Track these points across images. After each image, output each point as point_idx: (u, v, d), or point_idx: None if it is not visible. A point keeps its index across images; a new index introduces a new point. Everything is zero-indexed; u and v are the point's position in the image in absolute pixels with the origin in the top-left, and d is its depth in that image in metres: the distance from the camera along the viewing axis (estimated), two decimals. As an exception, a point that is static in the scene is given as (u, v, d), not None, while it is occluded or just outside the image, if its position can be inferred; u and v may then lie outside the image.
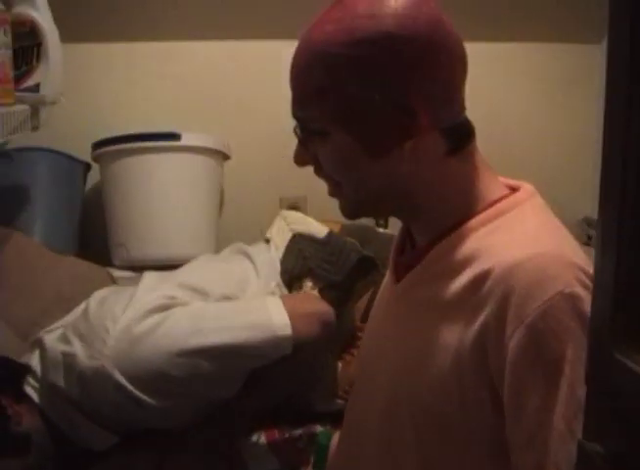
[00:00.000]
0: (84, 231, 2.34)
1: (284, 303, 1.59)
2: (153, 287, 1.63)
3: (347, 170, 1.02)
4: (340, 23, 0.97)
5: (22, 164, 2.23)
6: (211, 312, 1.57)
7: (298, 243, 1.86)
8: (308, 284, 1.77)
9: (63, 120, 2.07)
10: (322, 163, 1.04)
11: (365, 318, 1.69)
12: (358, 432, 1.17)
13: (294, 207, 2.38)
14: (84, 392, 1.52)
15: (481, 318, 0.94)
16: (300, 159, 1.07)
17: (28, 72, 1.71)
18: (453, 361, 0.96)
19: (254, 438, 1.73)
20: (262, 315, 1.56)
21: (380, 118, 0.97)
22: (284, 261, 1.83)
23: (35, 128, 1.79)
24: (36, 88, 1.71)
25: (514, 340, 0.90)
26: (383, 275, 1.47)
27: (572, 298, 0.89)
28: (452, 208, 1.03)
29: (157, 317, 1.51)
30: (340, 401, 1.75)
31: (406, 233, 1.15)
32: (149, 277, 1.70)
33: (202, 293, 1.64)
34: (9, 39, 1.60)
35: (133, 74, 2.44)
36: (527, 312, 0.90)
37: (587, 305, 0.87)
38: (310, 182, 2.18)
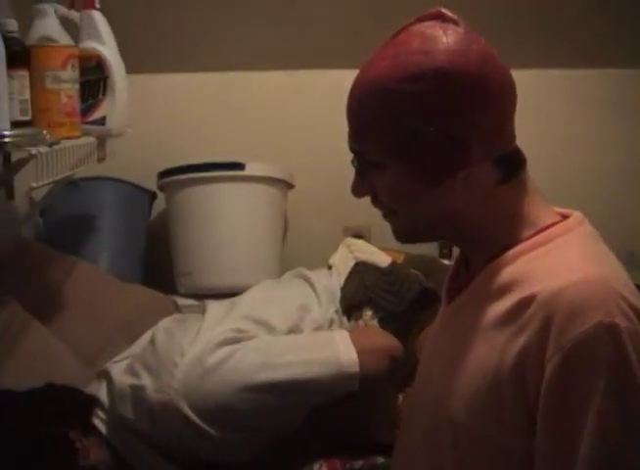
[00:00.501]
0: (149, 260, 2.37)
1: (352, 338, 1.57)
2: (219, 319, 1.63)
3: (403, 199, 1.05)
4: (394, 59, 1.00)
5: (89, 193, 2.28)
6: (279, 347, 1.56)
7: (361, 271, 1.84)
8: (368, 313, 1.75)
9: (128, 150, 2.11)
10: (379, 193, 1.06)
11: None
12: (408, 453, 1.18)
13: (357, 235, 2.35)
14: (152, 424, 1.52)
15: (523, 341, 0.94)
16: (358, 190, 1.09)
17: (95, 106, 1.74)
18: (492, 383, 0.97)
19: (316, 467, 1.71)
20: (330, 351, 1.54)
21: (434, 151, 0.99)
22: (344, 289, 1.81)
23: (101, 159, 1.82)
24: (102, 121, 1.74)
25: (550, 365, 0.90)
26: None
27: (611, 328, 0.89)
28: (504, 233, 1.04)
29: (225, 350, 1.51)
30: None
31: (463, 257, 1.16)
32: (213, 308, 1.70)
33: (267, 326, 1.63)
34: (77, 74, 1.63)
35: (196, 104, 2.48)
36: (566, 340, 0.90)
37: (627, 335, 0.89)
38: (374, 211, 2.18)
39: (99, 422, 1.58)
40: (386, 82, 1.00)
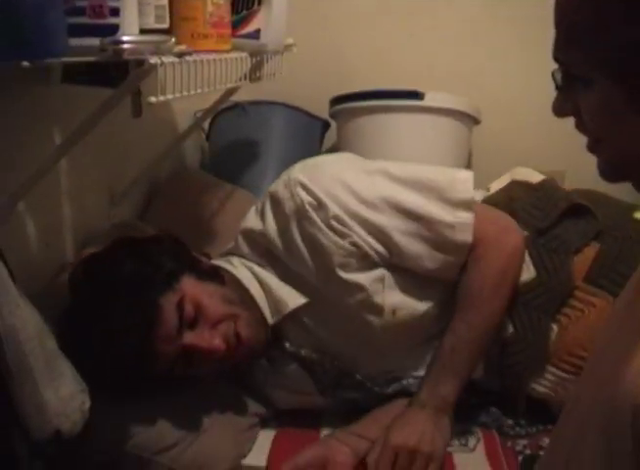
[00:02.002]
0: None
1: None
2: None
3: (611, 126, 0.88)
4: None
5: (258, 118, 2.19)
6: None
7: (511, 189, 1.66)
8: None
9: (300, 73, 1.99)
10: (583, 115, 0.90)
11: (588, 279, 1.51)
12: (572, 441, 1.00)
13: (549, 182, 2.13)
14: None
15: None
16: (559, 109, 0.92)
17: (249, 17, 1.58)
18: None
19: (472, 441, 1.53)
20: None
21: None
22: (487, 199, 1.64)
23: (256, 79, 1.67)
24: (256, 35, 1.58)
25: None
26: (604, 234, 1.54)
27: None
28: None
29: None
30: (553, 370, 1.52)
31: None
32: None
33: None
34: (227, -21, 1.47)
35: (380, 28, 2.33)
36: None
37: None
38: (570, 156, 1.92)
39: None
40: None
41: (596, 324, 1.48)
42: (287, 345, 1.53)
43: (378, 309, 1.47)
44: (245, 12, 1.58)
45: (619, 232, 1.55)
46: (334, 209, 1.45)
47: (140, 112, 1.36)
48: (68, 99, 1.52)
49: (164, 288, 1.36)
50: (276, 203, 1.50)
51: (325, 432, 1.57)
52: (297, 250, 1.47)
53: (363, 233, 1.46)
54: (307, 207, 1.45)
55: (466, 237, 1.46)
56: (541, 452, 1.46)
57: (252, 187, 2.02)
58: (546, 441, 1.49)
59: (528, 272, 1.52)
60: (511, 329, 1.52)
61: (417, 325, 1.51)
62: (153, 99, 1.23)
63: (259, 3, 1.57)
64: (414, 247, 1.47)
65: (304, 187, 1.47)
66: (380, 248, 1.47)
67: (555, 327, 1.52)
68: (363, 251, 1.46)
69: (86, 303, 1.36)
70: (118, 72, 1.29)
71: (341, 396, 1.57)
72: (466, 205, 1.47)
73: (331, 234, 1.45)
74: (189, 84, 1.32)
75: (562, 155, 2.29)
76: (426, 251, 1.48)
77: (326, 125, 2.27)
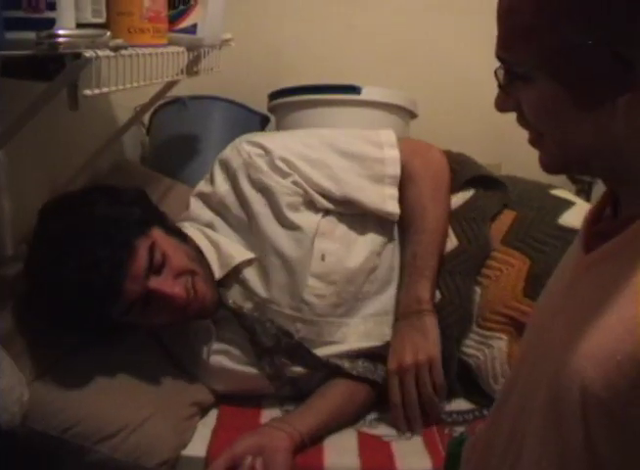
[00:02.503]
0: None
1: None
2: None
3: (552, 122, 0.91)
4: None
5: (198, 112, 2.18)
6: None
7: None
8: None
9: (239, 68, 2.05)
10: (525, 111, 0.92)
11: (505, 241, 1.65)
12: (514, 419, 1.02)
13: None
14: None
15: None
16: (502, 105, 0.95)
17: (186, 12, 1.59)
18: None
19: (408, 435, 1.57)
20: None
21: (592, 66, 0.84)
22: None
23: (193, 74, 1.68)
24: (193, 29, 1.59)
25: None
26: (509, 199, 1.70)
27: None
28: None
29: None
30: (478, 330, 1.63)
31: (608, 200, 1.01)
32: None
33: None
34: (163, -26, 1.48)
35: (318, 22, 2.34)
36: None
37: None
38: (506, 148, 1.96)
39: None
40: None
41: (515, 281, 1.59)
42: (230, 302, 1.59)
43: (308, 252, 1.57)
44: (182, 6, 1.58)
45: (535, 203, 1.68)
46: (278, 151, 1.61)
47: (76, 105, 1.36)
48: (6, 93, 1.52)
49: (138, 231, 1.45)
50: (223, 163, 1.65)
51: (265, 420, 1.58)
52: (248, 199, 1.60)
53: (308, 169, 1.61)
54: (253, 156, 1.61)
55: (395, 170, 1.65)
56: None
57: (192, 181, 1.97)
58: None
59: (451, 242, 1.66)
60: (439, 296, 1.62)
61: (348, 279, 1.60)
62: (88, 92, 1.23)
63: (196, -2, 1.59)
64: (355, 180, 1.63)
65: (250, 142, 1.65)
66: (325, 183, 1.61)
67: (478, 289, 1.63)
68: (304, 189, 1.60)
69: (60, 233, 1.42)
70: (56, 66, 1.29)
71: (278, 364, 1.60)
72: (391, 144, 1.68)
73: (275, 176, 1.59)
74: (125, 78, 1.33)
75: (498, 148, 2.33)
76: (365, 184, 1.63)
77: (265, 120, 2.26)
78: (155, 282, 1.45)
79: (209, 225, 1.66)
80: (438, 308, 1.61)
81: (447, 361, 1.61)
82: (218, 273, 1.59)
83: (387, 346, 1.59)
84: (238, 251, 1.61)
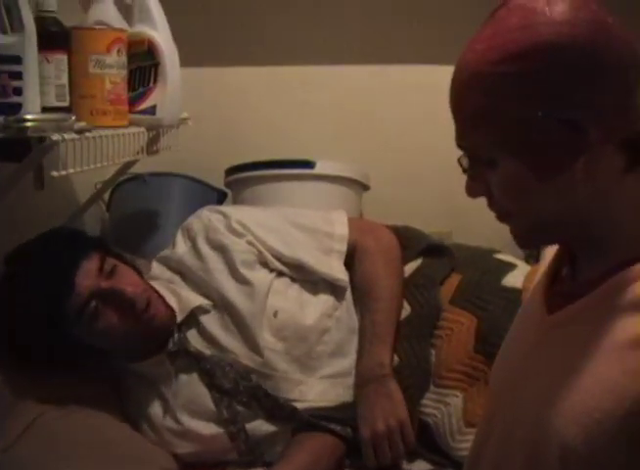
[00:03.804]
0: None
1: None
2: None
3: (518, 196, 0.95)
4: (491, 40, 0.91)
5: (157, 189, 2.21)
6: None
7: None
8: None
9: (196, 145, 2.07)
10: (493, 192, 0.97)
11: (453, 302, 1.73)
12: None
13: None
14: None
15: None
16: (472, 191, 0.99)
17: (145, 94, 1.65)
18: (629, 412, 0.83)
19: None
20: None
21: (545, 137, 0.89)
22: None
23: (153, 153, 1.74)
24: (152, 110, 1.65)
25: None
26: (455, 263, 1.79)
27: None
28: (634, 236, 0.92)
29: None
30: (435, 389, 1.68)
31: (562, 258, 1.05)
32: None
33: None
34: (123, 59, 1.55)
35: (273, 99, 2.39)
36: None
37: None
38: (456, 218, 2.04)
39: None
40: (483, 67, 0.90)
41: (466, 339, 1.66)
42: (191, 347, 1.64)
43: (261, 308, 1.64)
44: (141, 89, 1.66)
45: (479, 265, 1.78)
46: (236, 215, 1.73)
47: (42, 185, 1.42)
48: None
49: (92, 248, 1.57)
50: (185, 229, 1.77)
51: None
52: (205, 257, 1.70)
53: (262, 233, 1.72)
54: (213, 220, 1.73)
55: (342, 246, 1.76)
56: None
57: (152, 257, 2.01)
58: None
59: (405, 310, 1.74)
60: (397, 360, 1.68)
61: (300, 337, 1.66)
62: (55, 173, 1.29)
63: (155, 81, 1.65)
64: (306, 248, 1.73)
65: (211, 209, 1.78)
66: (278, 245, 1.72)
67: (432, 350, 1.69)
68: (258, 249, 1.70)
69: (18, 262, 1.56)
70: (22, 148, 1.34)
71: (235, 409, 1.63)
72: (341, 222, 1.80)
73: (232, 236, 1.70)
74: (89, 159, 1.39)
75: (448, 216, 2.40)
76: (315, 253, 1.73)
77: (222, 195, 2.30)
78: (106, 282, 1.53)
79: (170, 281, 1.74)
80: (397, 371, 1.67)
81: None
82: (179, 317, 1.65)
83: (342, 407, 1.63)
84: (196, 297, 1.69)
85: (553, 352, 0.97)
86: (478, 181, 0.97)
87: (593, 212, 0.92)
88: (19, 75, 1.28)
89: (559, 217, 0.94)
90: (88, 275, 1.51)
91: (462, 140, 0.97)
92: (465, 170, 0.99)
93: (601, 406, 0.85)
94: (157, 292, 1.65)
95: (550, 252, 1.11)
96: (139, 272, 1.66)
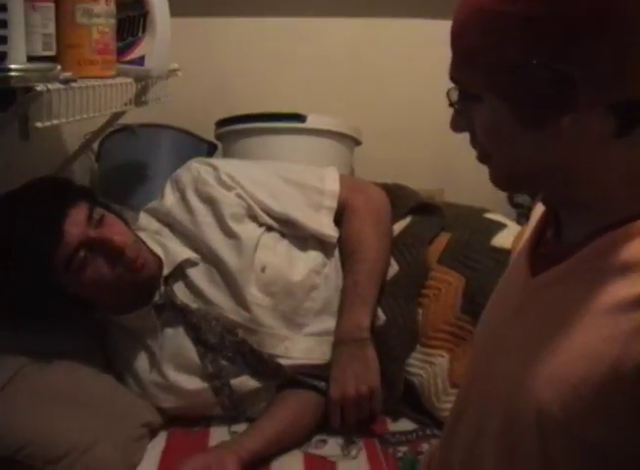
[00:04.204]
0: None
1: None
2: None
3: (499, 140, 0.92)
4: None
5: (146, 140, 2.20)
6: None
7: None
8: None
9: (187, 96, 2.08)
10: (476, 130, 0.94)
11: (441, 261, 1.73)
12: (468, 441, 1.04)
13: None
14: None
15: None
16: (455, 125, 0.97)
17: (134, 44, 1.63)
18: (608, 378, 0.81)
19: (354, 450, 1.60)
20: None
21: (535, 86, 0.85)
22: None
23: (142, 104, 1.72)
24: (141, 61, 1.63)
25: None
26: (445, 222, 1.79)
27: None
28: (619, 200, 0.89)
29: None
30: (421, 349, 1.69)
31: (547, 220, 1.02)
32: None
33: None
34: (111, 9, 1.53)
35: (265, 52, 2.36)
36: None
37: None
38: (448, 174, 2.02)
39: None
40: (486, 3, 0.86)
41: (453, 299, 1.66)
42: (178, 300, 1.64)
43: (249, 262, 1.63)
44: (130, 39, 1.63)
45: (469, 225, 1.77)
46: (225, 168, 1.73)
47: (27, 135, 1.40)
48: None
49: (80, 197, 1.56)
50: (174, 180, 1.76)
51: (213, 442, 1.61)
52: (194, 210, 1.69)
53: (252, 187, 1.71)
54: (202, 172, 1.71)
55: (333, 202, 1.75)
56: (420, 457, 1.52)
57: (140, 208, 2.02)
58: (425, 446, 1.58)
59: (392, 268, 1.73)
60: (384, 318, 1.68)
61: (288, 292, 1.66)
62: (39, 124, 1.27)
63: (144, 31, 1.63)
64: (295, 204, 1.73)
65: (200, 161, 1.77)
66: (267, 200, 1.71)
67: (419, 309, 1.70)
68: (248, 203, 1.69)
69: (6, 208, 1.55)
70: (6, 96, 1.33)
71: (221, 364, 1.64)
72: (332, 179, 1.78)
73: (221, 189, 1.69)
74: (75, 109, 1.37)
75: (440, 174, 2.39)
76: (304, 209, 1.72)
77: (212, 147, 2.29)
78: (94, 231, 1.52)
79: (157, 233, 1.73)
80: (384, 331, 1.67)
81: (393, 382, 1.66)
82: (166, 270, 1.65)
83: (327, 365, 1.63)
84: (184, 250, 1.69)
85: (534, 315, 0.96)
86: (462, 116, 0.95)
87: (577, 173, 0.90)
88: (3, 24, 1.25)
89: (539, 170, 0.91)
90: (77, 224, 1.50)
91: (455, 72, 0.94)
92: (452, 104, 0.97)
93: (577, 372, 0.84)
94: (144, 242, 1.64)
95: (538, 212, 1.10)
96: (126, 223, 1.65)
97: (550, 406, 0.86)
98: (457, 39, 0.92)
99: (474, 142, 0.96)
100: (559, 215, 0.99)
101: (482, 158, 0.96)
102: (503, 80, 0.87)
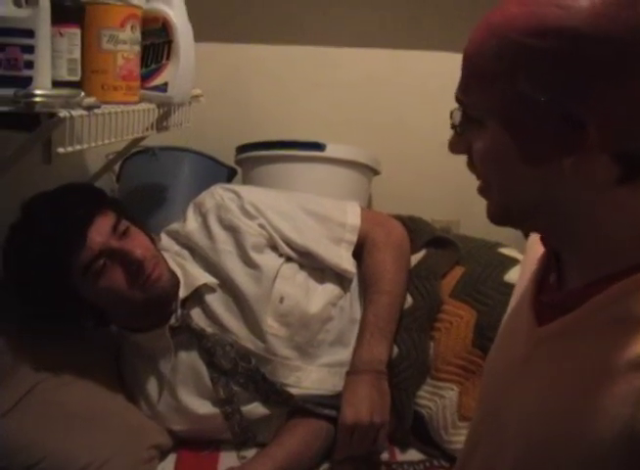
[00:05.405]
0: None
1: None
2: None
3: (497, 170, 0.91)
4: (526, 6, 0.84)
5: (167, 163, 2.21)
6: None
7: None
8: None
9: (209, 121, 2.10)
10: (474, 156, 0.93)
11: (454, 295, 1.74)
12: None
13: (445, 230, 2.22)
14: None
15: None
16: (454, 146, 0.96)
17: (158, 71, 1.65)
18: (624, 435, 0.80)
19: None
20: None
21: (542, 121, 0.84)
22: None
23: (163, 129, 1.74)
24: (164, 88, 1.66)
25: None
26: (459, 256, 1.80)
27: None
28: (623, 246, 0.87)
29: None
30: (431, 382, 1.71)
31: (548, 264, 1.01)
32: None
33: None
34: (137, 35, 1.55)
35: (287, 79, 2.38)
36: None
37: None
38: (464, 205, 2.03)
39: None
40: (509, 31, 0.84)
41: (464, 333, 1.67)
42: (193, 324, 1.65)
43: (268, 293, 1.65)
44: (154, 65, 1.65)
45: (483, 259, 1.78)
46: (249, 197, 1.73)
47: (50, 159, 1.42)
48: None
49: (109, 206, 1.60)
50: (197, 205, 1.77)
51: (222, 466, 1.62)
52: (215, 237, 1.70)
53: (274, 217, 1.72)
54: (226, 199, 1.72)
55: (353, 237, 1.77)
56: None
57: (159, 230, 2.02)
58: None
59: (406, 301, 1.74)
60: (397, 351, 1.69)
61: (304, 324, 1.67)
62: (61, 149, 1.29)
63: (168, 58, 1.65)
64: (316, 236, 1.74)
65: (224, 188, 1.77)
66: (289, 232, 1.72)
67: (431, 342, 1.71)
68: (269, 233, 1.70)
69: (33, 209, 1.59)
70: (32, 118, 1.35)
71: (232, 390, 1.65)
72: (354, 213, 1.80)
73: (244, 218, 1.70)
74: (97, 135, 1.39)
75: (456, 205, 2.39)
76: (324, 242, 1.73)
77: (232, 172, 2.30)
78: (117, 242, 1.55)
79: (178, 255, 1.75)
80: (396, 363, 1.68)
81: (402, 413, 1.67)
82: (183, 292, 1.66)
83: (336, 397, 1.64)
84: (203, 275, 1.70)
85: (544, 369, 0.94)
86: (463, 138, 0.94)
87: (577, 217, 0.88)
88: (31, 49, 1.28)
89: (534, 204, 0.90)
90: (101, 232, 1.54)
91: (461, 93, 0.93)
92: (453, 126, 0.95)
93: (593, 430, 0.83)
94: (164, 260, 1.66)
95: (533, 243, 1.08)
96: (151, 239, 1.68)
97: (566, 465, 0.86)
98: (470, 59, 0.91)
99: (471, 166, 0.94)
100: (561, 257, 0.97)
101: (482, 188, 0.95)
102: (509, 110, 0.86)
